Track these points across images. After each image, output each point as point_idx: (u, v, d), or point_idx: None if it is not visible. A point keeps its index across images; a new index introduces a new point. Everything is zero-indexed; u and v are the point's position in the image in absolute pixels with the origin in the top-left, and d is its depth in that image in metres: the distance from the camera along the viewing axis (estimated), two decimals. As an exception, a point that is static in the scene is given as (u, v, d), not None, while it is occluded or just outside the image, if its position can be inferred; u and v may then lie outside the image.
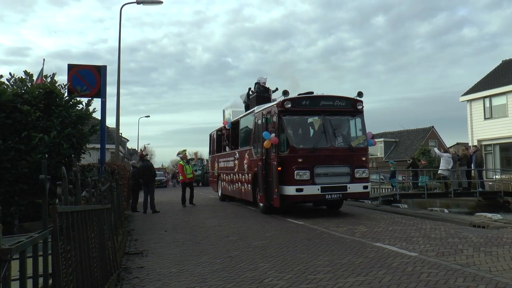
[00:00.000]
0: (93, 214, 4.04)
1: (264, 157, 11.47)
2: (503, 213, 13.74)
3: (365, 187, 11.08)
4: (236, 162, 14.60)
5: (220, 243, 7.80)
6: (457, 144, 34.54)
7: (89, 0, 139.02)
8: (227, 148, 16.25)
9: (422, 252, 6.35)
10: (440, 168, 18.72)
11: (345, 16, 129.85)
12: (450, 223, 9.42)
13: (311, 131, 11.55)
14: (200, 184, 38.23)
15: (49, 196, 2.86)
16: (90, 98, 8.86)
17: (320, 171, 10.61)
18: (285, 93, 11.03)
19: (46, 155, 7.42)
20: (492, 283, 4.62)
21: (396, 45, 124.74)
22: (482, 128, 25.71)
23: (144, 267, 6.08)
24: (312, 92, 11.74)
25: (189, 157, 18.69)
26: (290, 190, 10.41)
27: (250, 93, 15.18)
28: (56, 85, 8.11)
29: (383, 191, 21.13)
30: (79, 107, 8.45)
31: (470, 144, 25.35)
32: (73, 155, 7.59)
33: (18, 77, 7.95)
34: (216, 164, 18.40)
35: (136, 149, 56.44)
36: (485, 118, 25.64)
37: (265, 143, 10.94)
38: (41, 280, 2.47)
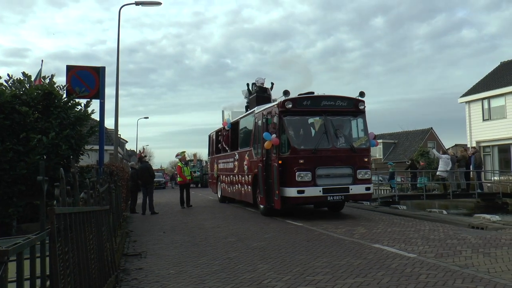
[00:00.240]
0: (91, 216, 4.03)
1: (264, 158, 11.33)
2: (501, 215, 13.74)
3: (368, 189, 10.92)
4: (236, 163, 14.48)
5: (219, 244, 7.79)
6: (456, 145, 34.61)
7: (88, 1, 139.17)
8: (227, 149, 16.12)
9: (420, 253, 6.35)
10: (438, 169, 18.72)
11: (344, 17, 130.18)
12: (448, 225, 9.42)
13: (312, 131, 11.38)
14: (199, 185, 38.21)
15: (47, 198, 2.86)
16: (89, 99, 8.87)
17: (322, 173, 10.46)
18: (286, 93, 10.84)
19: (45, 156, 7.42)
20: (491, 284, 4.62)
21: (395, 46, 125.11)
22: (480, 129, 25.74)
23: (143, 269, 6.06)
24: (312, 92, 11.60)
25: (188, 158, 18.66)
26: (291, 191, 10.26)
27: (250, 89, 15.12)
28: (55, 86, 8.11)
29: (382, 193, 21.13)
30: (77, 108, 8.45)
31: (468, 146, 25.40)
32: (71, 156, 7.58)
33: (17, 78, 7.95)
34: (215, 165, 18.26)
35: (135, 150, 56.41)
36: (483, 120, 25.67)
37: (266, 144, 10.80)
38: (38, 281, 2.46)
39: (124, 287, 5.16)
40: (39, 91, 7.83)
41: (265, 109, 12.00)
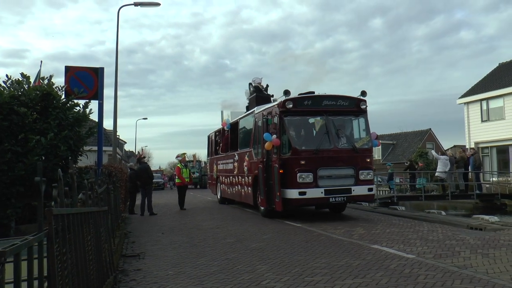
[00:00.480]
0: (90, 217, 4.03)
1: (265, 159, 11.20)
2: (500, 215, 13.77)
3: (370, 190, 10.79)
4: (236, 164, 14.36)
5: (218, 245, 7.78)
6: (454, 146, 34.64)
7: (87, 2, 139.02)
8: (226, 150, 15.95)
9: (419, 254, 6.35)
10: (437, 170, 18.74)
11: (343, 18, 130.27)
12: (447, 225, 9.43)
13: (314, 132, 11.20)
14: (198, 186, 38.19)
15: (45, 199, 2.85)
16: (87, 100, 8.86)
17: (324, 174, 10.30)
18: (286, 92, 10.66)
19: (43, 157, 7.41)
20: (489, 285, 4.62)
21: (394, 48, 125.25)
22: (479, 130, 25.78)
23: (141, 270, 6.06)
24: (313, 92, 11.44)
25: (187, 159, 18.63)
26: (293, 193, 10.11)
27: (251, 89, 15.08)
28: (53, 87, 8.10)
29: (381, 193, 21.14)
30: (76, 109, 8.44)
31: (467, 147, 25.44)
32: (70, 157, 7.57)
33: (15, 79, 7.93)
34: (214, 166, 18.12)
35: (134, 151, 56.39)
36: (482, 121, 25.71)
37: (266, 144, 10.63)
38: (36, 283, 2.45)
39: (122, 288, 5.15)
40: (38, 92, 7.83)
41: (265, 109, 11.88)
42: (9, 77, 7.98)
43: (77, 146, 8.17)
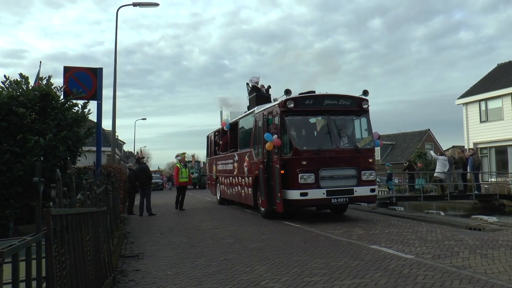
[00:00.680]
0: (88, 217, 4.02)
1: (265, 160, 11.04)
2: (498, 216, 13.77)
3: (373, 190, 10.63)
4: (236, 164, 14.23)
5: (217, 245, 7.78)
6: (453, 147, 34.65)
7: (85, 2, 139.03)
8: (226, 150, 15.80)
9: (418, 255, 6.36)
10: (436, 171, 18.76)
11: (342, 18, 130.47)
12: (446, 226, 9.44)
13: (315, 132, 11.01)
14: (197, 187, 38.18)
15: (44, 199, 2.85)
16: (86, 101, 8.85)
17: (325, 174, 10.16)
18: (287, 92, 10.48)
19: (42, 158, 7.40)
20: (488, 285, 4.63)
21: (393, 48, 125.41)
22: (478, 131, 25.82)
23: (140, 270, 6.05)
24: (313, 92, 11.28)
25: (187, 160, 18.59)
26: (294, 194, 9.98)
27: (248, 89, 15.03)
28: (52, 87, 8.09)
29: (380, 194, 21.15)
30: (75, 109, 8.43)
31: (466, 147, 25.47)
32: (69, 158, 7.56)
33: (14, 80, 7.92)
34: (214, 166, 17.98)
35: (133, 151, 56.43)
36: (480, 121, 25.75)
37: (267, 145, 10.46)
38: (34, 283, 2.45)
39: (121, 289, 5.14)
40: (36, 92, 7.82)
41: (265, 109, 11.73)
42: (7, 77, 7.97)
43: (75, 146, 8.15)
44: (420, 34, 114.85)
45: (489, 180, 22.45)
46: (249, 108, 14.58)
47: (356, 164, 10.44)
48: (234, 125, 15.00)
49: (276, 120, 10.66)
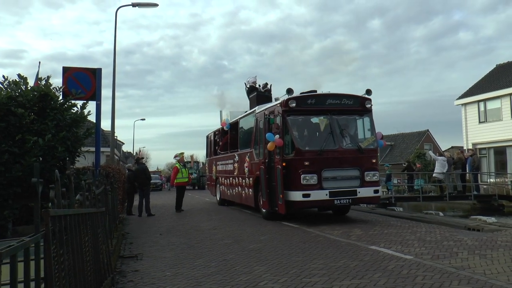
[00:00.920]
0: (87, 218, 4.02)
1: (267, 160, 10.85)
2: (497, 216, 13.79)
3: (376, 191, 10.46)
4: (236, 165, 14.07)
5: (215, 246, 7.77)
6: (452, 147, 34.71)
7: (85, 3, 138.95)
8: (226, 151, 15.64)
9: (417, 255, 6.36)
10: (435, 171, 18.78)
11: (341, 19, 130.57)
12: (445, 226, 9.44)
13: (317, 132, 10.77)
14: (196, 187, 38.16)
15: (43, 200, 2.84)
16: (85, 101, 8.85)
17: (328, 175, 9.97)
18: (289, 91, 10.24)
19: (41, 159, 7.39)
20: (487, 286, 4.63)
21: (392, 49, 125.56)
22: (476, 131, 25.86)
23: (139, 271, 6.04)
24: (315, 91, 11.06)
25: (185, 160, 18.54)
26: (297, 195, 9.79)
27: (246, 89, 14.98)
28: (51, 88, 8.08)
29: (379, 194, 21.13)
30: (74, 110, 8.42)
31: (465, 148, 25.48)
32: (67, 158, 7.55)
33: (12, 80, 7.91)
34: (214, 167, 17.84)
35: (132, 152, 56.39)
36: (479, 122, 25.79)
37: (269, 145, 10.28)
38: (33, 284, 2.45)
39: (120, 290, 5.13)
40: (35, 93, 7.81)
41: (266, 108, 11.53)
42: (6, 77, 7.96)
43: (74, 147, 8.14)
44: (419, 35, 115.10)
45: (488, 180, 22.48)
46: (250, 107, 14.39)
47: (359, 165, 10.27)
48: (234, 125, 14.81)
49: (278, 119, 10.49)
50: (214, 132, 18.03)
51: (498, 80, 25.88)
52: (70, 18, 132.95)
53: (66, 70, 9.26)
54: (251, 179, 12.46)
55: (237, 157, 14.07)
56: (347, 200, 10.13)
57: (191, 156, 40.92)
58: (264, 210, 11.40)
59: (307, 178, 9.81)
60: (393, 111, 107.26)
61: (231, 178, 14.95)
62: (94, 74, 9.46)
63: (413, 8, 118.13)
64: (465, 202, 19.03)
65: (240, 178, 13.73)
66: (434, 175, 19.03)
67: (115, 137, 25.67)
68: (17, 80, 7.94)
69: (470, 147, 25.00)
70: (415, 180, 20.84)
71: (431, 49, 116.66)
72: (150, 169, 34.81)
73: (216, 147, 17.42)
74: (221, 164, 16.60)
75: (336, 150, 10.18)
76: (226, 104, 17.50)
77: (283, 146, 10.17)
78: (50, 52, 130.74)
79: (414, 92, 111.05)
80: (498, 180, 21.95)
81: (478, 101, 25.78)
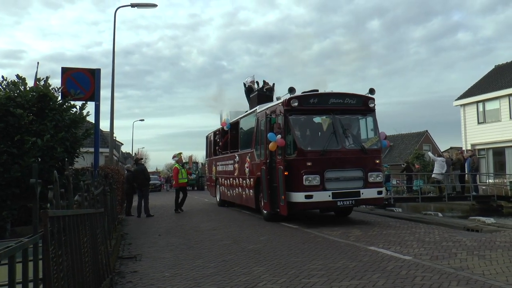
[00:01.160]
0: (86, 218, 4.01)
1: (268, 161, 10.69)
2: (496, 217, 13.80)
3: (380, 193, 10.26)
4: (236, 165, 13.94)
5: (214, 247, 7.77)
6: (451, 148, 34.73)
7: (84, 3, 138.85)
8: (226, 151, 15.53)
9: (416, 256, 6.36)
10: (434, 172, 18.80)
11: (340, 19, 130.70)
12: (444, 227, 9.45)
13: (320, 131, 10.58)
14: (195, 188, 38.13)
15: (41, 200, 2.84)
16: (84, 102, 8.85)
17: (331, 176, 9.79)
18: (291, 90, 10.09)
19: (39, 159, 7.38)
20: (486, 286, 4.64)
21: (391, 49, 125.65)
22: (475, 132, 25.89)
23: (138, 272, 6.04)
24: (317, 90, 10.85)
25: (184, 161, 18.52)
26: (299, 196, 9.61)
27: (244, 89, 14.94)
28: (50, 88, 8.07)
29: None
30: (72, 110, 8.42)
31: (463, 148, 25.52)
32: (66, 159, 7.54)
33: (11, 81, 7.90)
34: (213, 167, 17.73)
35: (131, 152, 56.34)
36: (478, 123, 25.82)
37: (271, 145, 10.12)
38: (31, 285, 2.44)
39: (118, 290, 5.13)
40: (34, 93, 7.80)
41: (268, 108, 11.33)
42: (4, 78, 7.96)
43: (73, 147, 8.14)
44: (418, 35, 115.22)
45: (487, 181, 22.51)
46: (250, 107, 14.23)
47: (363, 165, 10.09)
48: (234, 125, 14.64)
49: (280, 119, 10.29)
50: (214, 132, 17.91)
51: (497, 81, 25.92)
52: (69, 18, 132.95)
53: (65, 70, 9.26)
54: (252, 179, 12.33)
55: (237, 157, 13.94)
56: (350, 202, 9.96)
57: (190, 157, 40.89)
58: (265, 212, 11.26)
59: (310, 179, 9.64)
60: (392, 111, 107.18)
61: (231, 179, 14.82)
62: (93, 75, 9.46)
63: (412, 9, 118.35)
64: (464, 203, 19.06)
65: (240, 178, 13.60)
66: (433, 175, 19.05)
67: (114, 138, 25.66)
68: (16, 80, 7.93)
69: (469, 147, 25.05)
70: (414, 181, 20.85)
71: (430, 49, 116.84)
72: (149, 170, 34.80)
73: (216, 147, 17.31)
74: (221, 165, 16.48)
75: (339, 150, 10.01)
76: (224, 106, 17.46)
77: (285, 146, 10.01)
78: (49, 52, 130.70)
79: (413, 92, 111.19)
80: (497, 181, 21.97)
81: (477, 102, 25.82)
